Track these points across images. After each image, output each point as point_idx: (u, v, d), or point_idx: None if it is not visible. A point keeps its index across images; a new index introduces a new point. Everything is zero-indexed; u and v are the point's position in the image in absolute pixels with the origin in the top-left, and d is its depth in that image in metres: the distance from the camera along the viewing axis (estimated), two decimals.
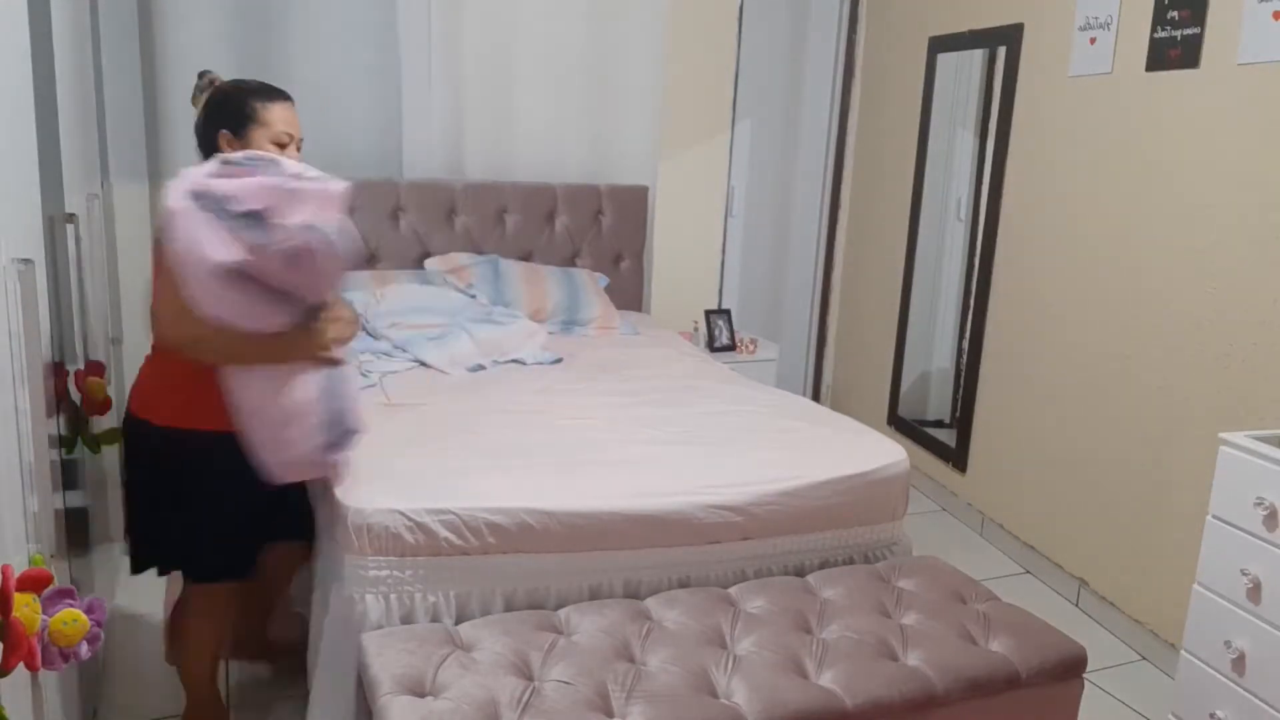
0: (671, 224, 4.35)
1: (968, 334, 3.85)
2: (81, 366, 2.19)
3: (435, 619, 2.05)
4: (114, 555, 2.88)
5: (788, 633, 2.01)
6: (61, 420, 1.88)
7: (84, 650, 1.16)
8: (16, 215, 1.47)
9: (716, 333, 4.19)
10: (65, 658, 1.15)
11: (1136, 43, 2.97)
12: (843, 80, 4.56)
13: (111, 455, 2.60)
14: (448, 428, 2.53)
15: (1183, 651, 2.34)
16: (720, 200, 4.48)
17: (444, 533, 2.03)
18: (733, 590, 2.19)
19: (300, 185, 1.82)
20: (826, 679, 1.88)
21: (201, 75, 2.18)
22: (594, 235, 4.05)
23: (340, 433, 1.99)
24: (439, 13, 3.73)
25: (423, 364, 3.12)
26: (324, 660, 2.07)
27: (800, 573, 2.34)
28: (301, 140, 2.15)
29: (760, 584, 2.21)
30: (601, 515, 2.13)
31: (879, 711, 1.84)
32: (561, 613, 2.04)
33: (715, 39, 4.28)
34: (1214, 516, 2.26)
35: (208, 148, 2.09)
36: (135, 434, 2.06)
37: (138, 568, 2.14)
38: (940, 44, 3.96)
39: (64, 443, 1.91)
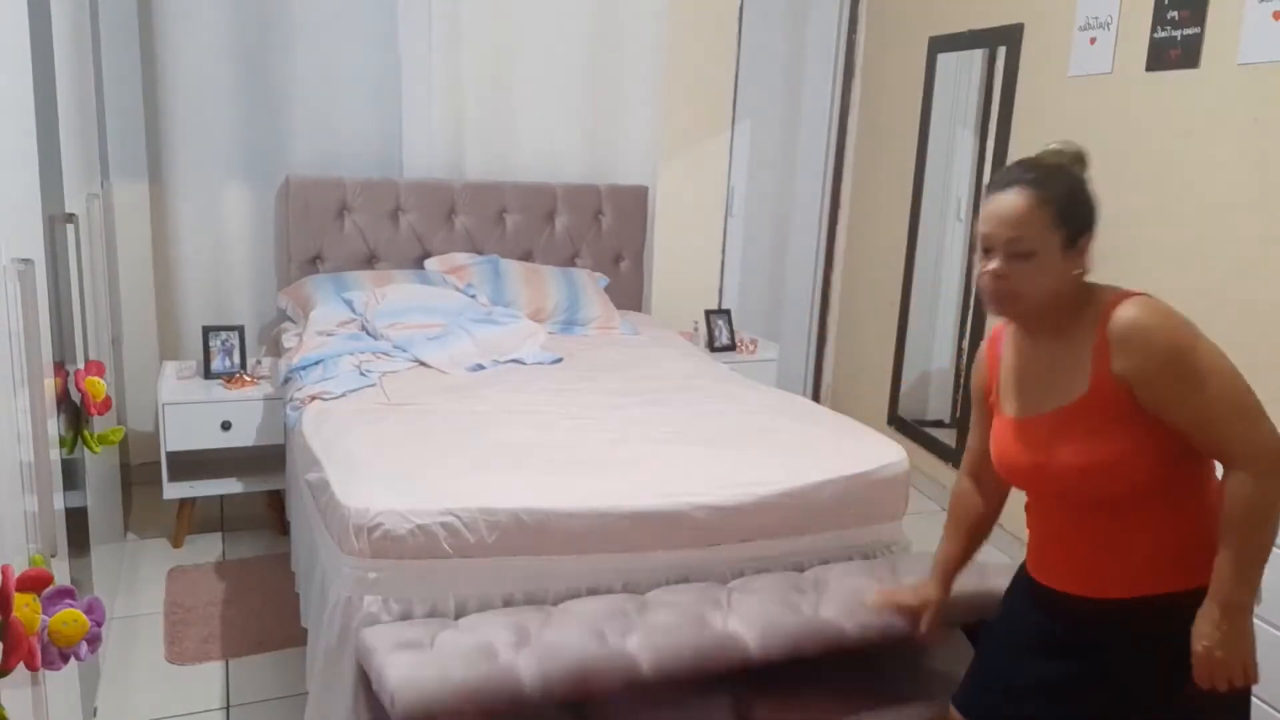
0: (671, 224, 4.35)
1: (968, 333, 3.85)
2: (81, 366, 2.19)
3: None
4: (114, 555, 2.89)
5: (786, 591, 2.09)
6: (61, 420, 1.88)
7: (84, 650, 1.16)
8: (16, 215, 1.47)
9: (716, 333, 4.19)
10: (65, 658, 1.15)
11: (1136, 43, 2.97)
12: (843, 80, 4.56)
13: (112, 455, 2.60)
14: (448, 428, 2.53)
15: None
16: (720, 200, 4.49)
17: (443, 533, 2.03)
18: (731, 582, 2.19)
19: None
20: (828, 611, 2.01)
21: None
22: (594, 235, 4.05)
23: None
24: (439, 13, 3.73)
25: (423, 364, 3.12)
26: (323, 661, 2.07)
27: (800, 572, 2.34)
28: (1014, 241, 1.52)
29: (756, 576, 2.22)
30: (601, 516, 2.13)
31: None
32: (560, 605, 2.05)
33: (715, 39, 4.28)
34: None
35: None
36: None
37: None
38: (940, 44, 3.96)
39: (64, 443, 1.91)
